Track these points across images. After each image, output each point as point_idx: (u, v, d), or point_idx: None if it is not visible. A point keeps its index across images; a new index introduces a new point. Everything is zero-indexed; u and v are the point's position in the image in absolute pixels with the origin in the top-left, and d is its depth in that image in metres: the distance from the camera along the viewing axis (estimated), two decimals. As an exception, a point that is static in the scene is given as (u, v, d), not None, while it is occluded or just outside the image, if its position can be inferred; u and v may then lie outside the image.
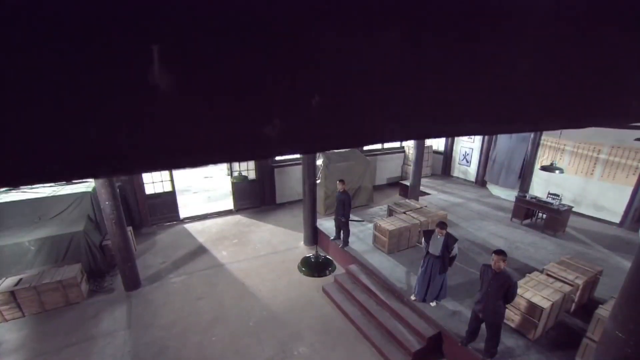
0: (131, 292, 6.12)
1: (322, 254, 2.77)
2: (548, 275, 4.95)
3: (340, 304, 5.66)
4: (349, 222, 6.83)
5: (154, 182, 8.61)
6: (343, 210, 6.58)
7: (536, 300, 4.29)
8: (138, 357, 4.68)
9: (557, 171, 5.17)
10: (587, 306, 4.92)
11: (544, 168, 5.38)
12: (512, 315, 4.52)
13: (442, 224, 4.66)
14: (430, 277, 4.82)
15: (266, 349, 4.83)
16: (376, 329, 5.07)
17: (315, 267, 2.56)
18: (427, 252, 4.78)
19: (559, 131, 7.49)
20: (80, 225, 6.39)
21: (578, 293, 4.81)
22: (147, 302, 5.86)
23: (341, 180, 6.60)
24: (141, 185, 8.37)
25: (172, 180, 8.85)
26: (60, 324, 5.28)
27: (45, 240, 5.97)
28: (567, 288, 4.60)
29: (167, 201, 8.93)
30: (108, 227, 5.69)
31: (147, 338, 5.03)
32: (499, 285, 3.73)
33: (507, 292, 3.72)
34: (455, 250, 4.68)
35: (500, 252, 3.73)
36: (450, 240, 4.63)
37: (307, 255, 2.73)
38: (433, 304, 4.96)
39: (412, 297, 5.10)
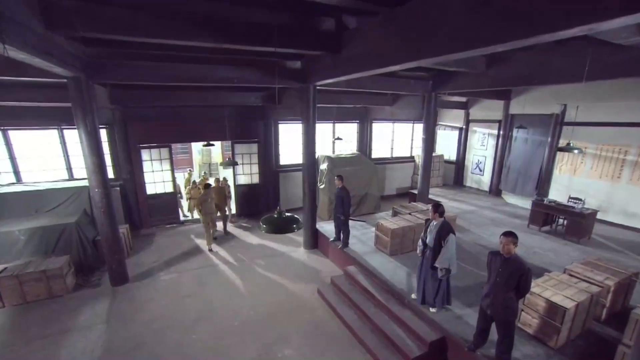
0: (117, 287, 5.83)
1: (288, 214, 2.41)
2: (571, 275, 4.30)
3: (336, 306, 5.14)
4: (349, 221, 6.40)
5: (155, 182, 8.53)
6: (342, 207, 6.19)
7: (557, 300, 3.67)
8: (111, 352, 4.30)
9: (575, 151, 4.70)
10: (621, 314, 4.15)
11: (560, 149, 4.92)
12: (529, 319, 3.88)
13: (436, 206, 4.04)
14: (425, 273, 4.26)
15: (248, 350, 4.34)
16: (372, 333, 4.50)
17: (277, 223, 2.19)
18: (425, 244, 4.28)
19: (570, 134, 6.95)
20: (73, 218, 6.28)
21: (609, 297, 4.12)
22: (132, 298, 5.54)
23: (339, 176, 6.27)
24: (142, 184, 8.31)
25: (173, 181, 8.76)
26: (38, 316, 5.01)
27: (36, 230, 5.86)
28: (595, 289, 3.94)
29: (168, 202, 8.80)
30: (97, 216, 5.52)
31: (125, 333, 4.67)
32: (509, 273, 3.18)
33: (519, 281, 3.16)
34: (450, 245, 3.91)
35: (509, 234, 3.20)
36: (444, 229, 3.97)
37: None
38: (433, 309, 4.33)
39: (413, 296, 4.54)
